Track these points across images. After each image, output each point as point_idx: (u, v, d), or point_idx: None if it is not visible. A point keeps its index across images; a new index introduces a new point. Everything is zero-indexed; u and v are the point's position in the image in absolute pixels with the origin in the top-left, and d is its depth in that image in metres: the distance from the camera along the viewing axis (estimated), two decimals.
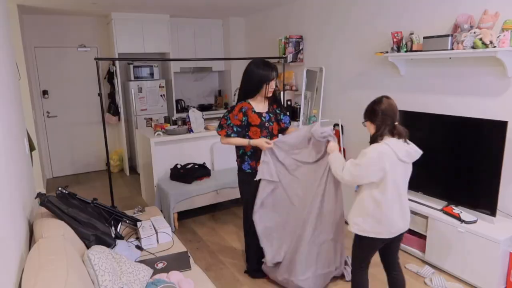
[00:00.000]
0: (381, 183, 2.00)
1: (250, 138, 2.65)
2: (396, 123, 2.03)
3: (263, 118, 2.66)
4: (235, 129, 2.62)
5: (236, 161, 2.78)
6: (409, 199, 3.22)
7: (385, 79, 3.78)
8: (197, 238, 3.63)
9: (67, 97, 5.76)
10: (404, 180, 2.07)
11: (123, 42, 5.45)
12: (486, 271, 2.62)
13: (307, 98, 4.73)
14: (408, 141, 2.06)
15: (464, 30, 2.84)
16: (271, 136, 2.71)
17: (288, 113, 2.94)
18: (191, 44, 6.25)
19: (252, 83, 2.61)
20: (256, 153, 2.67)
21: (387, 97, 2.06)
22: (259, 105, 2.69)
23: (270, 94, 2.66)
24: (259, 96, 2.66)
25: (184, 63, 6.27)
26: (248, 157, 2.69)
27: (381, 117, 2.02)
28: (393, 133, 2.03)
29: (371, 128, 2.11)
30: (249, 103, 2.64)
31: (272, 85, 2.63)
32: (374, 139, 2.06)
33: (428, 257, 3.02)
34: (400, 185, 2.03)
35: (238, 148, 2.73)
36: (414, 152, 2.05)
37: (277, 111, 2.79)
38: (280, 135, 2.80)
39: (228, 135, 2.63)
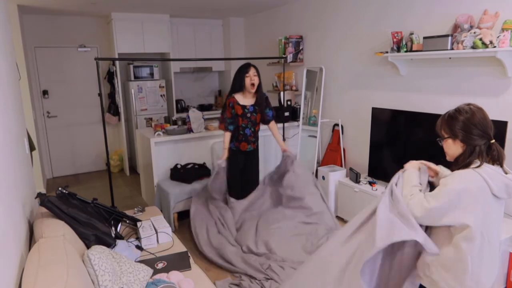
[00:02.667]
0: (468, 227, 1.44)
1: (239, 125, 3.39)
2: (493, 141, 1.47)
3: (245, 110, 3.37)
4: (228, 121, 3.40)
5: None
6: None
7: (385, 79, 3.78)
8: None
9: (67, 97, 5.76)
10: (498, 223, 1.50)
11: (123, 42, 5.45)
12: None
13: (307, 98, 4.73)
14: (505, 167, 1.50)
15: (464, 30, 2.84)
16: (253, 124, 3.42)
17: (273, 109, 3.58)
18: (191, 44, 6.25)
19: (236, 79, 3.35)
20: (238, 137, 3.43)
21: (472, 104, 1.51)
22: (246, 99, 3.40)
23: (252, 89, 3.32)
24: (246, 92, 3.36)
25: (184, 63, 6.27)
26: (236, 140, 3.45)
27: (472, 132, 1.46)
28: (488, 155, 1.47)
29: (454, 149, 1.52)
30: (233, 97, 3.37)
31: (252, 77, 3.29)
32: (461, 166, 1.49)
33: None
34: (492, 230, 1.48)
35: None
36: None
37: (265, 106, 3.47)
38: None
39: (226, 128, 3.40)
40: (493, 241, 1.48)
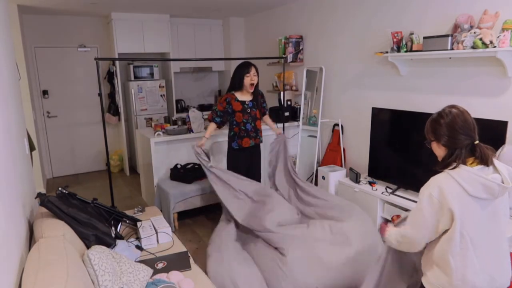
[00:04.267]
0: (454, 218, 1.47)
1: (236, 122, 3.41)
2: (476, 141, 1.50)
3: (245, 105, 3.40)
4: (218, 113, 3.43)
5: (228, 141, 3.55)
6: (410, 199, 3.22)
7: (385, 79, 3.78)
8: (197, 238, 3.63)
9: (67, 97, 5.76)
10: (489, 224, 1.49)
11: (123, 42, 5.45)
12: None
13: (307, 98, 4.73)
14: (496, 165, 1.50)
15: (464, 30, 2.84)
16: (253, 119, 3.45)
17: (267, 104, 3.70)
18: (191, 44, 6.25)
19: (236, 77, 3.38)
20: (239, 133, 3.44)
21: (456, 107, 1.54)
22: (244, 96, 3.44)
23: (251, 89, 3.37)
24: (244, 90, 3.40)
25: (184, 63, 6.27)
26: (237, 137, 3.45)
27: (453, 136, 1.49)
28: (474, 155, 1.49)
29: (439, 151, 1.58)
30: (233, 94, 3.41)
31: (252, 77, 3.34)
32: (443, 166, 1.54)
33: None
34: (476, 231, 1.47)
35: (229, 131, 3.50)
36: (496, 185, 1.42)
37: (261, 101, 3.56)
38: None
39: (213, 119, 3.47)
40: (479, 242, 1.48)
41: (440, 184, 1.46)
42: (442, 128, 1.52)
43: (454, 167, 1.48)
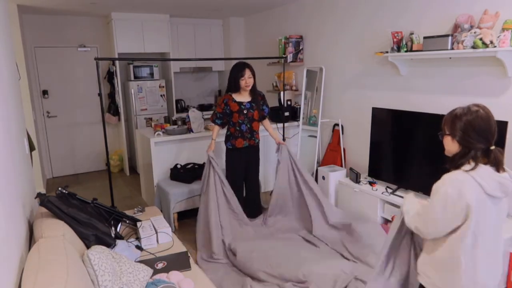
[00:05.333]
0: (461, 226, 1.45)
1: (232, 123, 3.45)
2: (492, 147, 1.45)
3: (242, 106, 3.41)
4: (218, 115, 3.50)
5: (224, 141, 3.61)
6: None
7: (385, 79, 3.78)
8: None
9: (67, 97, 5.76)
10: (495, 223, 1.48)
11: (123, 42, 5.45)
12: None
13: (307, 98, 4.73)
14: (505, 168, 1.49)
15: (464, 30, 2.84)
16: (249, 120, 3.45)
17: (268, 107, 3.65)
18: (191, 44, 6.25)
19: (231, 79, 3.39)
20: (234, 133, 3.47)
21: (481, 106, 1.48)
22: (242, 97, 3.45)
23: (247, 87, 3.38)
24: (242, 90, 3.41)
25: (184, 63, 6.27)
26: (232, 137, 3.50)
27: (469, 135, 1.45)
28: (486, 159, 1.45)
29: (451, 147, 1.52)
30: (230, 95, 3.44)
31: (247, 80, 3.34)
32: (455, 164, 1.49)
33: None
34: (487, 230, 1.45)
35: (226, 131, 3.55)
36: (510, 182, 1.42)
37: (261, 103, 3.53)
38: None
39: (214, 121, 3.54)
40: (489, 240, 1.47)
41: (458, 180, 1.42)
42: (461, 124, 1.46)
43: (472, 168, 1.43)
